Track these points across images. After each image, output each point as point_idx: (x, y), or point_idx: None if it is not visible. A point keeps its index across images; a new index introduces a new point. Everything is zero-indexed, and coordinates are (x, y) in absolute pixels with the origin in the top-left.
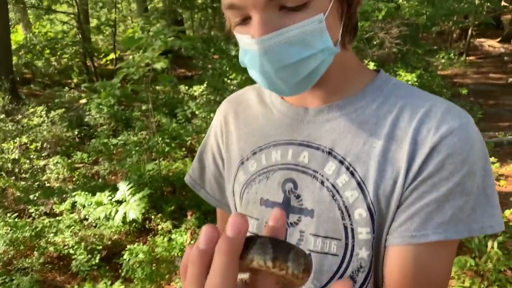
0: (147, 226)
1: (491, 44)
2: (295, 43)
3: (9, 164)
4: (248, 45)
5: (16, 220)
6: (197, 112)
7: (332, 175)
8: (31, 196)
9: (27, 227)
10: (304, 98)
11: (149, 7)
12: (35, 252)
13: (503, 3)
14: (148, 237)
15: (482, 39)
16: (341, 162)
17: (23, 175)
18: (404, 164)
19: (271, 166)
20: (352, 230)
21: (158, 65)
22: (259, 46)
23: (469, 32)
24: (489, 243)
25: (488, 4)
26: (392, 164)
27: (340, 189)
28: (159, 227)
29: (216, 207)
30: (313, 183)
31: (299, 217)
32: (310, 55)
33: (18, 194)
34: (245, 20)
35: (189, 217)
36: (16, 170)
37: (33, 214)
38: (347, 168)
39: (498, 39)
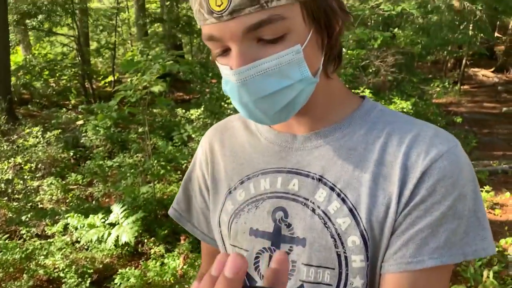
0: (139, 250)
1: (485, 74)
2: (272, 74)
3: (2, 185)
4: (228, 76)
5: (6, 241)
6: (193, 136)
7: (323, 202)
8: (23, 217)
9: (18, 249)
10: (291, 125)
11: (149, 32)
12: (24, 275)
13: (496, 34)
14: (141, 261)
15: (476, 69)
16: (332, 189)
17: (16, 196)
18: (395, 189)
19: (260, 195)
20: (346, 258)
21: (156, 88)
22: (236, 77)
23: (463, 61)
24: (485, 273)
25: (482, 35)
26: (383, 190)
27: (332, 216)
28: (152, 251)
29: (202, 240)
30: (304, 211)
31: (291, 247)
32: (288, 86)
33: (10, 215)
34: (225, 51)
35: (182, 242)
36: (9, 190)
37: (24, 236)
38: (338, 195)
39: (492, 69)
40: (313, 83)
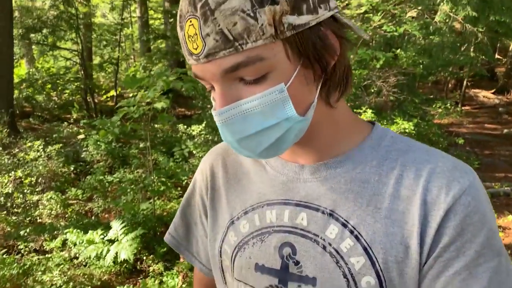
0: (138, 267)
1: (486, 95)
2: (254, 114)
3: (2, 198)
4: (214, 113)
5: (4, 256)
6: (194, 152)
7: (335, 239)
8: (22, 232)
9: (15, 264)
10: (298, 154)
11: (152, 48)
12: None
13: (497, 55)
14: (139, 278)
15: (477, 90)
16: (344, 225)
17: (15, 210)
18: (416, 228)
19: (266, 228)
20: None
21: (159, 105)
22: (218, 118)
23: (464, 83)
24: None
25: (483, 56)
26: (400, 227)
27: (345, 255)
28: (151, 268)
29: (199, 270)
30: (314, 248)
31: (299, 286)
32: (273, 125)
33: (9, 229)
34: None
35: (181, 260)
36: (9, 204)
37: (22, 251)
38: (351, 232)
39: (493, 91)
40: (301, 121)
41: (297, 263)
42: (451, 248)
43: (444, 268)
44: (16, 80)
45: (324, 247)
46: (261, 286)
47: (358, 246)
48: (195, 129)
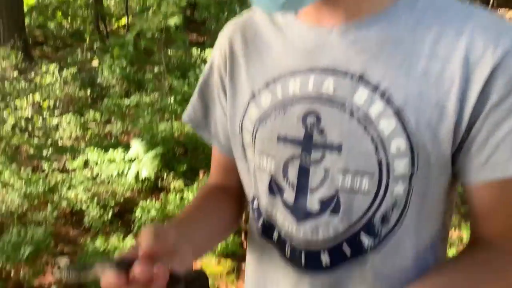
0: (159, 185)
1: None
2: None
3: (22, 122)
4: None
5: (30, 175)
6: None
7: (364, 104)
8: (44, 153)
9: (41, 182)
10: (324, 15)
11: None
12: (48, 206)
13: None
14: (161, 194)
15: (503, 10)
16: (374, 89)
17: (36, 134)
18: (455, 87)
19: (289, 99)
20: (388, 164)
21: (172, 21)
22: None
23: (491, 0)
24: None
25: None
26: (437, 88)
27: (375, 119)
28: (171, 185)
29: (219, 150)
30: (340, 115)
31: (323, 154)
32: None
33: (32, 151)
34: None
35: (201, 177)
36: (30, 128)
37: (46, 170)
38: (382, 95)
39: None
40: None
41: (321, 131)
42: (502, 106)
43: (495, 127)
44: (25, 7)
45: (351, 113)
46: (284, 157)
47: (388, 109)
48: (209, 53)
